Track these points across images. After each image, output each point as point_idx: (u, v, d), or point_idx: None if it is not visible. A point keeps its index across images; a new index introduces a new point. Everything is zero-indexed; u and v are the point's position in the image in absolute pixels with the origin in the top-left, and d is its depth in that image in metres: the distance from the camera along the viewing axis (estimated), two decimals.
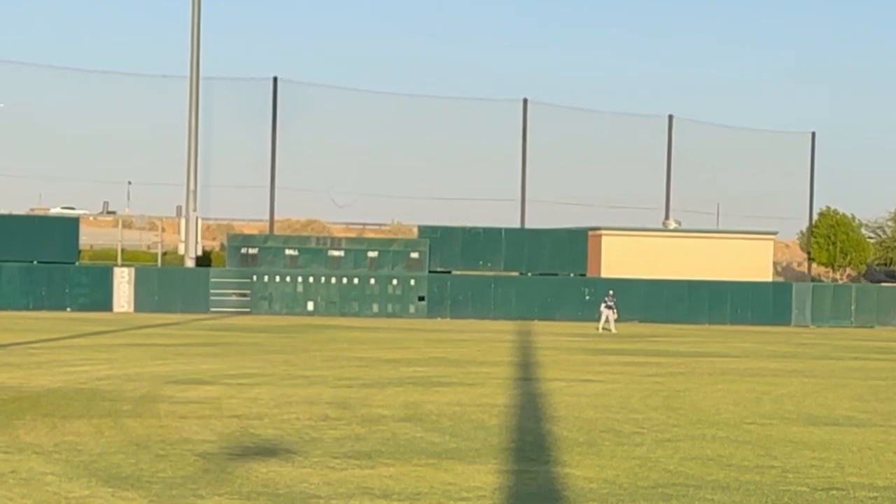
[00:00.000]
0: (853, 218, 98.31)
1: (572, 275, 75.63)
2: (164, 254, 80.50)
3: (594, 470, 16.14)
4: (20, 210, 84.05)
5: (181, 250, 74.36)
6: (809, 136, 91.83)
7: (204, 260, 76.44)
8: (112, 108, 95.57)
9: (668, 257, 77.82)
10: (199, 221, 74.21)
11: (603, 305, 61.93)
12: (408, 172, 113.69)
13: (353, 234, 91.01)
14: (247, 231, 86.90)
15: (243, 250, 71.26)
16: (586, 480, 15.41)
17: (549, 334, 55.43)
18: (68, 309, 66.72)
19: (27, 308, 65.82)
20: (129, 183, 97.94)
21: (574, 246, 76.47)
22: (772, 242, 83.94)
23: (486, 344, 46.17)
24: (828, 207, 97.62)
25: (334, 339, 46.76)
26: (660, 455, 17.56)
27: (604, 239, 78.85)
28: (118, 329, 50.02)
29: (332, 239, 76.97)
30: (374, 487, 14.55)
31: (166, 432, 18.48)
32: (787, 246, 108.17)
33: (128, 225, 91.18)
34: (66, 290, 68.01)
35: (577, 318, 70.46)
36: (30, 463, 15.54)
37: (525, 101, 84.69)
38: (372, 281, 71.82)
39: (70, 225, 71.84)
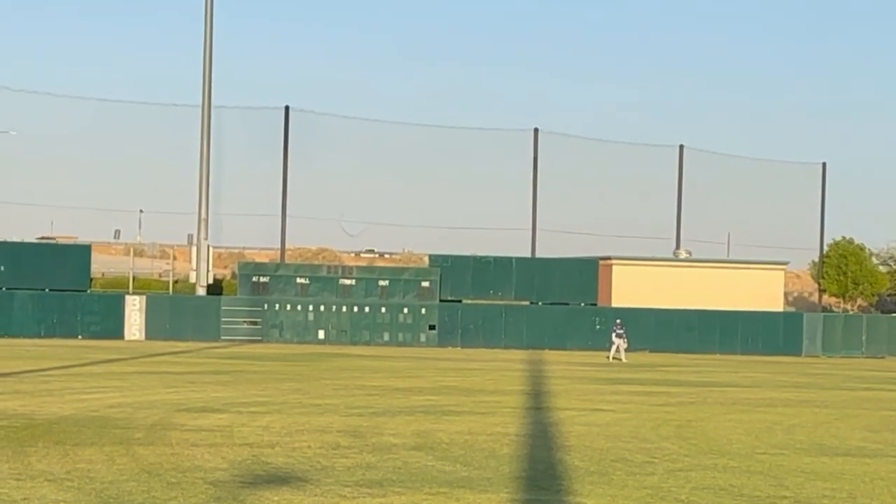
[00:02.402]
0: (864, 248, 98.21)
1: (583, 304, 75.62)
2: (176, 282, 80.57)
3: (605, 500, 16.12)
4: (31, 238, 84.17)
5: (192, 278, 74.39)
6: (820, 167, 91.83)
7: (215, 288, 76.50)
8: (123, 136, 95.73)
9: (679, 287, 77.75)
10: (211, 250, 74.29)
11: (614, 335, 61.97)
12: (419, 202, 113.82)
13: (363, 263, 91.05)
14: (258, 259, 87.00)
15: (254, 278, 71.34)
16: None
17: (560, 363, 55.38)
18: (80, 337, 66.80)
19: (39, 336, 65.89)
20: (141, 211, 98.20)
21: (584, 275, 76.51)
22: (783, 272, 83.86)
23: (496, 373, 46.12)
24: (842, 237, 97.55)
25: (345, 368, 46.74)
26: (671, 485, 17.53)
27: (614, 268, 78.82)
28: (129, 357, 50.05)
29: (343, 268, 77.02)
30: None
31: (178, 460, 18.49)
32: (798, 276, 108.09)
33: (139, 253, 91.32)
34: (78, 318, 68.09)
35: (587, 347, 70.47)
36: (42, 490, 15.55)
37: (536, 130, 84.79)
38: (383, 310, 71.84)
39: (82, 253, 71.96)
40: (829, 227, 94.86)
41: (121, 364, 45.00)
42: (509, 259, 76.53)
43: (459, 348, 70.28)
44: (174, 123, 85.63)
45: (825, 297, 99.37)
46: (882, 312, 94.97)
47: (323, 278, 72.27)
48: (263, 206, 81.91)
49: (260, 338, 69.65)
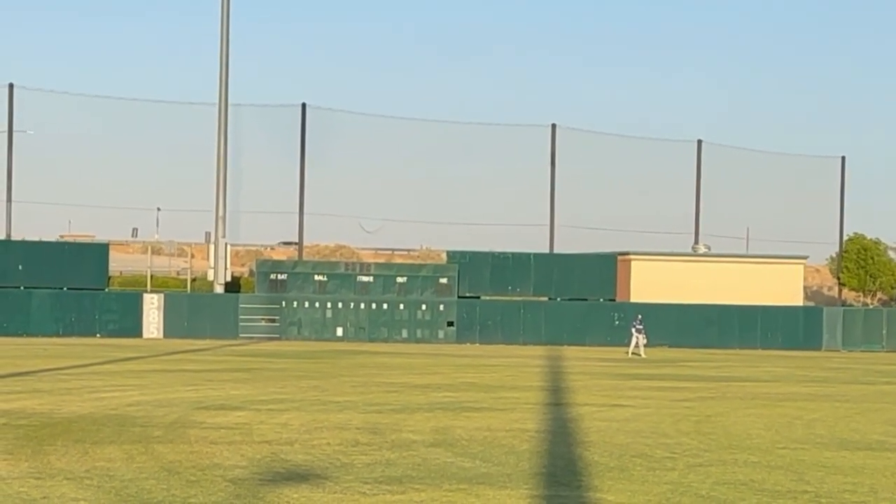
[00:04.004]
0: (878, 242, 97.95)
1: (602, 300, 75.51)
2: (194, 280, 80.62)
3: (626, 495, 16.07)
4: (50, 237, 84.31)
5: (210, 276, 74.43)
6: (839, 161, 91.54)
7: (233, 286, 76.50)
8: (141, 134, 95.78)
9: (698, 282, 77.58)
10: (228, 247, 74.31)
11: (633, 330, 61.89)
12: (436, 198, 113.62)
13: (381, 260, 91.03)
14: (276, 257, 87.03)
15: (272, 276, 71.34)
16: None
17: (579, 359, 55.32)
18: (98, 335, 66.88)
19: (57, 334, 66.00)
20: (159, 209, 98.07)
21: (603, 271, 76.39)
22: (802, 267, 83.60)
23: (515, 369, 46.08)
24: (855, 233, 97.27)
25: (363, 365, 46.73)
26: (692, 480, 17.47)
27: (633, 264, 78.68)
28: (148, 355, 50.11)
29: (361, 264, 76.98)
30: None
31: (197, 458, 18.48)
32: (818, 270, 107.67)
33: (157, 251, 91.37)
34: (96, 317, 68.17)
35: (606, 342, 70.33)
36: (62, 489, 15.55)
37: (554, 126, 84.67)
38: (401, 306, 71.80)
39: (99, 251, 72.06)
40: (849, 222, 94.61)
41: (139, 362, 45.07)
42: (528, 255, 76.45)
43: (478, 345, 70.24)
44: (191, 122, 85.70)
45: (844, 291, 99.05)
46: None
47: (341, 275, 72.24)
48: (281, 204, 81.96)
49: (278, 335, 69.67)
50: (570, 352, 63.46)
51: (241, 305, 70.38)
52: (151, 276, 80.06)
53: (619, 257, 78.10)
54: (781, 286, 79.45)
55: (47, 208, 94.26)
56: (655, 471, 18.34)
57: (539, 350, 64.06)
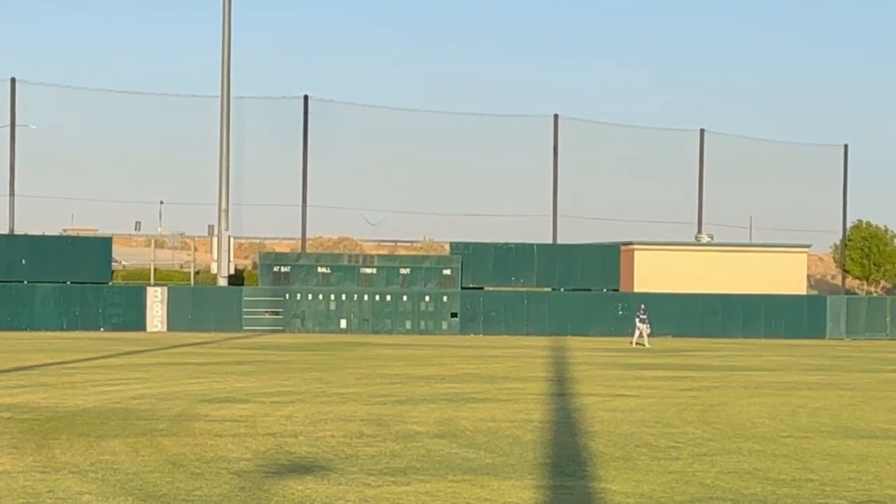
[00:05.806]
0: (886, 230, 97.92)
1: (605, 290, 75.47)
2: (197, 273, 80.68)
3: (630, 485, 16.07)
4: (53, 231, 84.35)
5: (214, 269, 74.44)
6: (842, 149, 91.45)
7: (236, 278, 76.55)
8: (143, 128, 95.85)
9: (701, 271, 77.59)
10: (232, 240, 74.32)
11: (637, 320, 61.90)
12: (439, 189, 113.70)
13: (384, 252, 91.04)
14: (279, 249, 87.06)
15: (276, 268, 71.35)
16: (623, 495, 15.34)
17: (583, 349, 55.31)
18: (102, 329, 66.95)
19: (61, 328, 66.10)
20: (161, 203, 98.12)
21: (606, 261, 76.33)
22: (805, 255, 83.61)
23: (519, 360, 46.08)
24: (860, 221, 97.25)
25: (367, 357, 46.74)
26: (696, 469, 17.48)
27: (636, 254, 78.69)
28: (152, 348, 50.13)
29: (365, 256, 76.98)
30: None
31: (202, 451, 18.48)
32: (821, 259, 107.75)
33: (160, 244, 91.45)
34: (100, 310, 68.20)
35: (610, 333, 70.39)
36: (66, 482, 15.56)
37: (556, 116, 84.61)
38: (404, 298, 71.80)
39: (103, 245, 72.05)
40: (852, 210, 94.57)
41: (143, 356, 45.07)
42: (531, 246, 76.40)
43: (482, 335, 70.25)
44: (194, 115, 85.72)
45: (848, 279, 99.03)
46: None
47: (344, 267, 72.24)
48: (284, 196, 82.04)
49: (282, 328, 69.71)
50: (574, 342, 63.47)
51: (245, 298, 70.42)
52: (155, 270, 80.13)
53: (623, 247, 78.09)
54: (785, 275, 79.45)
55: (50, 202, 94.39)
56: (660, 460, 18.35)
57: (543, 340, 64.09)
